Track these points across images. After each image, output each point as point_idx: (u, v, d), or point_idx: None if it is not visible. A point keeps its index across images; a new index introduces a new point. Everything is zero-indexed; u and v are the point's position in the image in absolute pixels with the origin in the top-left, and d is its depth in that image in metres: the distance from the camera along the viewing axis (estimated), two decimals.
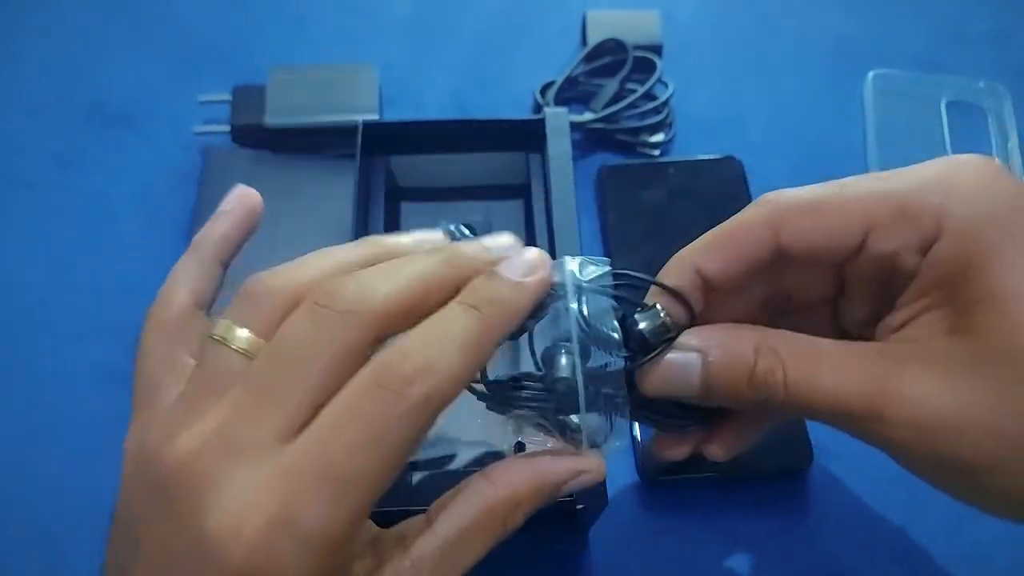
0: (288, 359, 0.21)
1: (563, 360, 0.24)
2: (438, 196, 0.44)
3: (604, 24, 0.52)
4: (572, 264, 0.25)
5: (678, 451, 0.29)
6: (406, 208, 0.44)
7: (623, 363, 0.25)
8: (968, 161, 0.23)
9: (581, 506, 0.32)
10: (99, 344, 0.43)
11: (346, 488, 0.19)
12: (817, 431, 0.39)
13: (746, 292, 0.27)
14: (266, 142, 0.47)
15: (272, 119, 0.46)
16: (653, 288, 0.26)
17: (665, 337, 0.25)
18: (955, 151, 0.49)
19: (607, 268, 0.25)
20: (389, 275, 0.22)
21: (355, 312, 0.21)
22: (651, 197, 0.47)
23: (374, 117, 0.46)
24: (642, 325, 0.25)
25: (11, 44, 0.53)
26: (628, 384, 0.25)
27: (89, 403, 0.40)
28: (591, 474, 0.24)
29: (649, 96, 0.50)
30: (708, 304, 0.26)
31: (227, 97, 0.47)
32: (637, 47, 0.51)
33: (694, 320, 0.25)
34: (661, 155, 0.49)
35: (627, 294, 0.25)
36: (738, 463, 0.39)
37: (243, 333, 0.22)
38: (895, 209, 0.23)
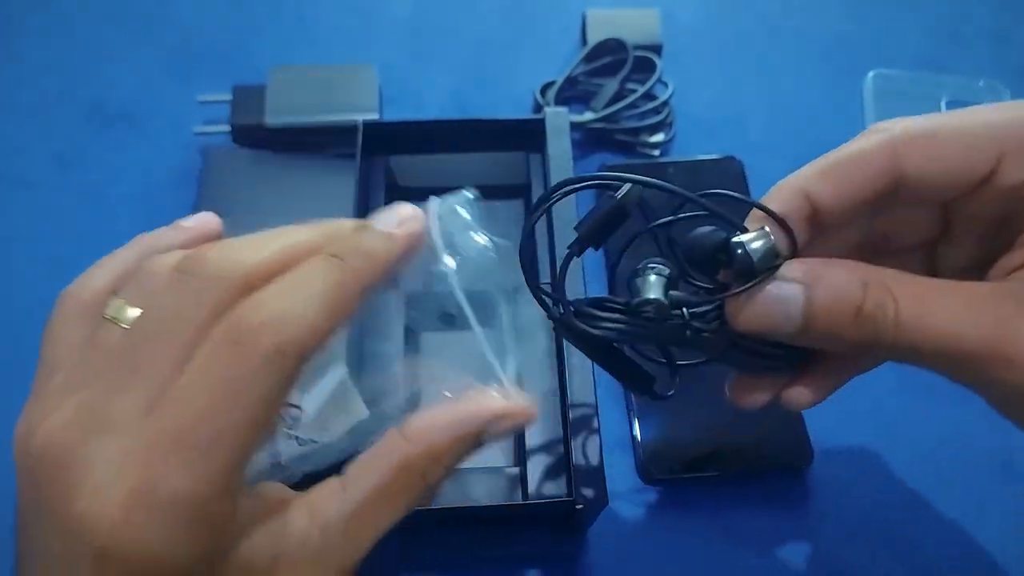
0: (152, 330, 0.20)
1: (652, 279, 0.23)
2: (438, 194, 0.44)
3: (604, 24, 0.52)
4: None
5: (758, 397, 0.27)
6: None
7: (716, 290, 0.23)
8: None
9: (581, 506, 0.32)
10: None
11: (206, 451, 0.19)
12: (817, 431, 0.39)
13: (843, 232, 0.25)
14: (266, 142, 0.47)
15: (272, 119, 0.46)
16: (755, 214, 0.24)
17: (772, 264, 0.23)
18: None
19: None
20: (257, 241, 0.22)
21: (219, 276, 0.20)
22: (650, 197, 0.47)
23: (374, 117, 0.46)
24: (750, 248, 0.22)
25: (11, 44, 0.53)
26: (718, 317, 0.23)
27: None
28: (516, 418, 0.23)
29: (649, 96, 0.50)
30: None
31: (227, 97, 0.47)
32: (637, 47, 0.51)
33: (795, 253, 0.24)
34: (661, 155, 0.49)
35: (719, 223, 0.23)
36: (738, 463, 0.39)
37: (134, 312, 0.21)
38: None
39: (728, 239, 0.23)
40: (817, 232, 0.24)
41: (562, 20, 0.55)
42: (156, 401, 0.19)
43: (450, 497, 0.35)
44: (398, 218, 0.23)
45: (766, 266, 0.22)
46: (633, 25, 0.52)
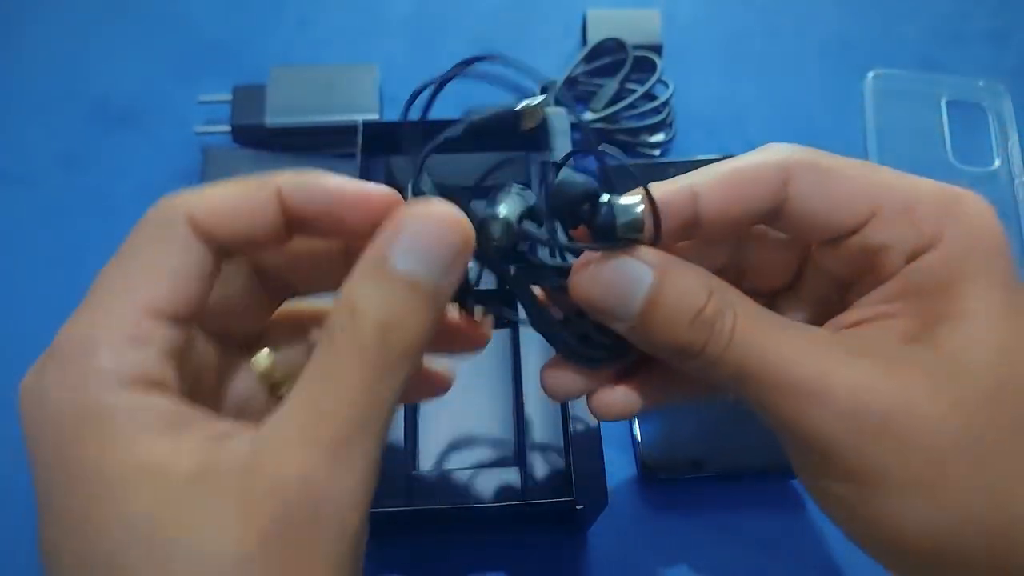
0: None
1: (512, 195, 0.22)
2: (439, 193, 0.44)
3: (604, 24, 0.52)
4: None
5: (572, 385, 0.25)
6: None
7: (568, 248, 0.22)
8: (972, 194, 0.23)
9: (581, 506, 0.32)
10: None
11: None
12: None
13: (707, 253, 0.25)
14: (266, 142, 0.47)
15: (272, 119, 0.47)
16: (656, 186, 0.23)
17: (632, 236, 0.22)
18: (955, 151, 0.49)
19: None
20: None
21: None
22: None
23: (374, 117, 0.46)
24: (618, 206, 0.22)
25: (14, 43, 0.53)
26: (559, 282, 0.22)
27: None
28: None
29: (649, 96, 0.50)
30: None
31: (227, 97, 0.48)
32: (637, 47, 0.51)
33: (656, 241, 0.23)
34: (661, 155, 0.49)
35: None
36: (738, 463, 0.39)
37: None
38: (904, 204, 0.22)
39: (598, 191, 0.22)
40: (685, 237, 0.24)
41: (562, 20, 0.55)
42: None
43: (450, 497, 0.35)
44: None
45: (626, 235, 0.22)
46: (633, 25, 0.52)
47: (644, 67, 0.50)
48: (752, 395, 0.22)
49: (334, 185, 0.22)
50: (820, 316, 0.25)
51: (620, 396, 0.25)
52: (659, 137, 0.49)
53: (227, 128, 0.47)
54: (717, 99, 0.52)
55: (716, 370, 0.22)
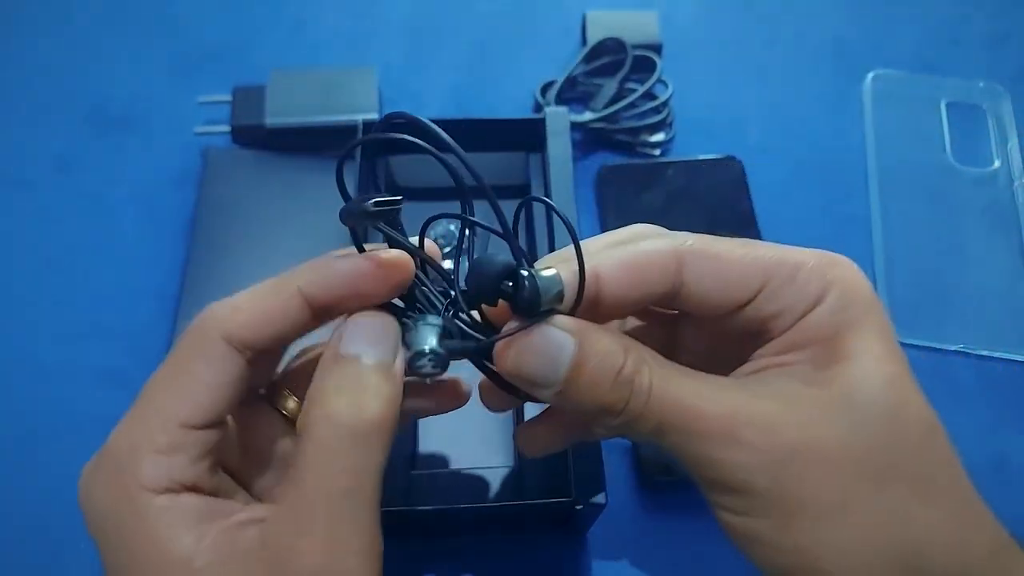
0: None
1: (423, 330, 0.24)
2: (438, 196, 0.44)
3: (604, 24, 0.52)
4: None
5: (500, 406, 0.30)
6: (406, 208, 0.44)
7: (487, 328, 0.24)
8: (845, 258, 0.25)
9: (581, 506, 0.32)
10: (99, 344, 0.43)
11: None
12: None
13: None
14: (266, 143, 0.47)
15: (272, 120, 0.47)
16: (552, 257, 0.25)
17: (553, 307, 0.23)
18: (955, 151, 0.49)
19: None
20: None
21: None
22: (651, 197, 0.47)
23: (374, 117, 0.46)
24: (542, 280, 0.22)
25: (11, 46, 0.53)
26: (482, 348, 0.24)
27: (89, 404, 0.40)
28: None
29: (649, 96, 0.50)
30: None
31: (227, 98, 0.48)
32: (637, 47, 0.51)
33: (575, 310, 0.24)
34: (661, 155, 0.49)
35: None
36: None
37: None
38: (789, 274, 0.24)
39: (518, 266, 0.22)
40: (587, 316, 0.25)
41: (562, 20, 0.55)
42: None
43: (450, 497, 0.35)
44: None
45: (550, 306, 0.22)
46: (633, 25, 0.52)
47: (644, 67, 0.51)
48: (673, 445, 0.24)
49: (348, 269, 0.24)
50: (712, 362, 0.26)
51: (538, 438, 0.29)
52: (659, 137, 0.49)
53: (227, 128, 0.47)
54: (717, 99, 0.52)
55: (638, 425, 0.24)
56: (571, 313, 0.23)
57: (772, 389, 0.24)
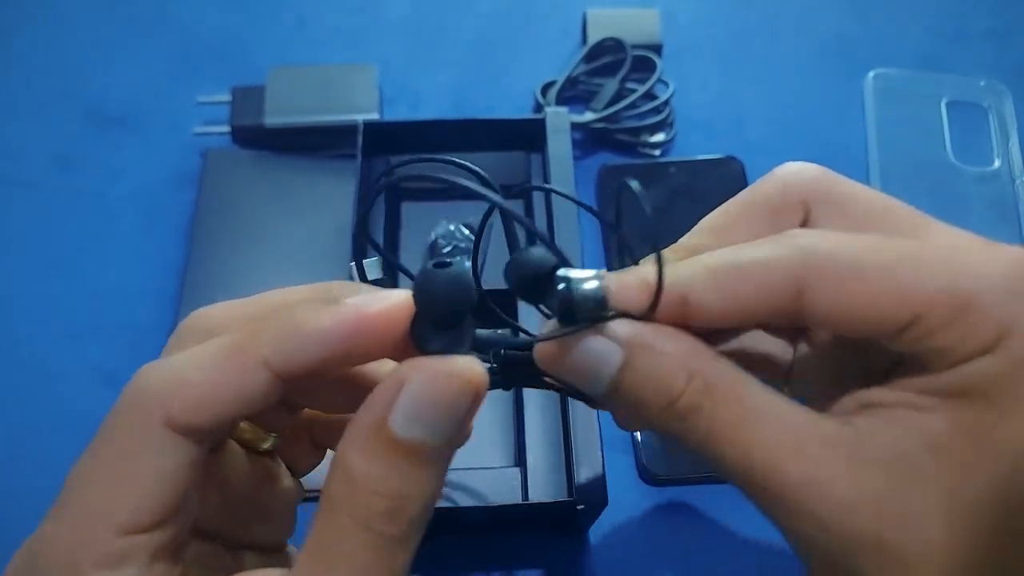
0: None
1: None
2: (438, 196, 0.44)
3: (604, 23, 0.52)
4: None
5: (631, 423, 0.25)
6: (406, 208, 0.44)
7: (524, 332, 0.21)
8: None
9: (581, 506, 0.32)
10: (99, 344, 0.43)
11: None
12: None
13: None
14: (266, 142, 0.47)
15: (272, 119, 0.46)
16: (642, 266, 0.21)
17: (598, 315, 0.20)
18: (955, 151, 0.49)
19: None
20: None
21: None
22: (652, 197, 0.47)
23: (374, 117, 0.46)
24: (577, 287, 0.19)
25: (11, 45, 0.53)
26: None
27: (89, 404, 0.40)
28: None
29: (649, 96, 0.50)
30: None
31: (226, 98, 0.47)
32: (637, 47, 0.51)
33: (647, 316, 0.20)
34: (661, 155, 0.49)
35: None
36: None
37: None
38: (959, 308, 0.18)
39: (552, 268, 0.20)
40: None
41: (562, 20, 0.55)
42: None
43: (450, 497, 0.35)
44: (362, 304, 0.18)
45: (589, 315, 0.19)
46: (633, 25, 0.52)
47: (644, 67, 0.50)
48: (736, 483, 0.20)
49: (328, 327, 0.18)
50: (833, 379, 0.22)
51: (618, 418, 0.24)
52: (659, 137, 0.49)
53: (226, 129, 0.47)
54: (717, 99, 0.52)
55: (699, 452, 0.20)
56: (644, 318, 0.20)
57: (883, 448, 0.18)
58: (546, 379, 0.23)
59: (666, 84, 0.50)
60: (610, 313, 0.19)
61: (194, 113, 0.48)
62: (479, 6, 0.56)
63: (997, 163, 0.49)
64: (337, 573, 0.17)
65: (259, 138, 0.47)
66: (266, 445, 0.23)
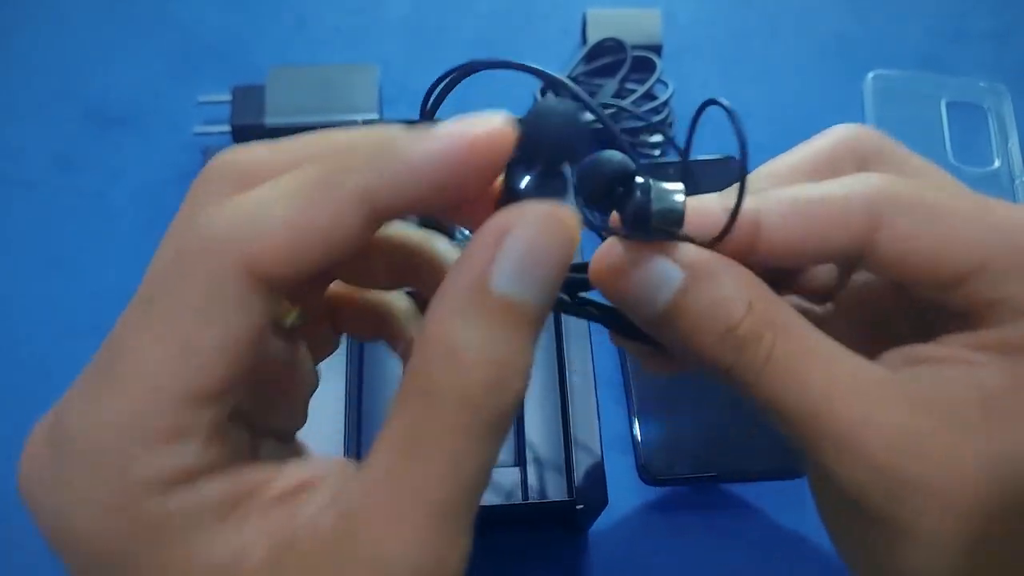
0: None
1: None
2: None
3: (604, 23, 0.52)
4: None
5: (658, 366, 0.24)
6: None
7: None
8: None
9: (581, 506, 0.32)
10: (99, 344, 0.43)
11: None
12: None
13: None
14: None
15: (272, 119, 0.46)
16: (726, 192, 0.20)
17: (668, 230, 0.19)
18: (955, 151, 0.49)
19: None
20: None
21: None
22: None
23: (374, 117, 0.46)
24: (657, 192, 0.19)
25: (10, 44, 0.53)
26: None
27: None
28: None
29: (649, 96, 0.50)
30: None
31: (227, 97, 0.47)
32: (637, 47, 0.51)
33: (713, 244, 0.19)
34: (661, 155, 0.49)
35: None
36: (738, 463, 0.39)
37: None
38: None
39: (636, 172, 0.19)
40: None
41: (562, 20, 0.55)
42: None
43: None
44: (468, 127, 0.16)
45: (662, 226, 0.18)
46: (633, 25, 0.52)
47: (644, 67, 0.50)
48: (783, 425, 0.19)
49: (439, 149, 0.16)
50: (870, 334, 0.22)
51: (653, 362, 0.24)
52: (659, 137, 0.49)
53: (227, 128, 0.47)
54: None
55: (744, 392, 0.19)
56: (710, 246, 0.19)
57: (939, 399, 0.18)
58: (589, 307, 0.22)
59: (665, 84, 0.50)
60: (682, 232, 0.19)
61: (194, 113, 0.48)
62: (479, 6, 0.56)
63: (997, 163, 0.49)
64: (430, 458, 0.15)
65: (259, 138, 0.46)
66: (291, 319, 0.20)
